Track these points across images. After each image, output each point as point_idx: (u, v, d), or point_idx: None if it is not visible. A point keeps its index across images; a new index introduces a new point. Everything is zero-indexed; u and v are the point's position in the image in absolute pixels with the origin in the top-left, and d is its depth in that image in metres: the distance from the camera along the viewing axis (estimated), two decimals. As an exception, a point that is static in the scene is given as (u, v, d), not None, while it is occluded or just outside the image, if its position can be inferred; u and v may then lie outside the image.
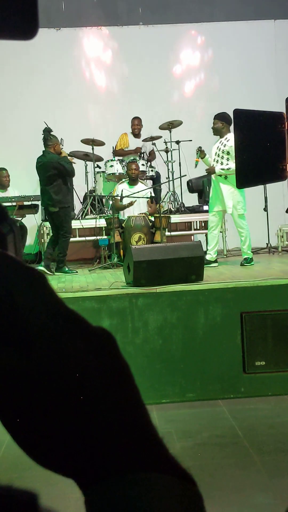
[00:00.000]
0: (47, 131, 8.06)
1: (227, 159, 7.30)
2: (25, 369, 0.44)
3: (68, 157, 7.94)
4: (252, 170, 9.09)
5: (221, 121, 7.47)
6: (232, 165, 7.21)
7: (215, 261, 7.51)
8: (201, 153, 7.56)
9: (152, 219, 8.13)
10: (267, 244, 9.03)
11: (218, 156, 7.43)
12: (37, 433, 0.45)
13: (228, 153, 7.29)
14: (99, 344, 0.47)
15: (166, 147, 9.40)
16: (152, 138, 9.37)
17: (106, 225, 8.35)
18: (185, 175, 9.01)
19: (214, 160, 7.46)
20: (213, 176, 7.51)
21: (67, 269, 7.64)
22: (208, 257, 7.32)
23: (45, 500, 0.44)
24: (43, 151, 7.92)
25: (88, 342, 0.47)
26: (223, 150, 7.37)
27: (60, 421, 0.45)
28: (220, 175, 7.37)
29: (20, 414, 0.45)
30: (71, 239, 9.20)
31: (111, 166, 9.05)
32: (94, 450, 0.46)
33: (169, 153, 9.38)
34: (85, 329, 0.47)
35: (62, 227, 7.75)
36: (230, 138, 7.27)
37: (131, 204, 8.15)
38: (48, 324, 0.45)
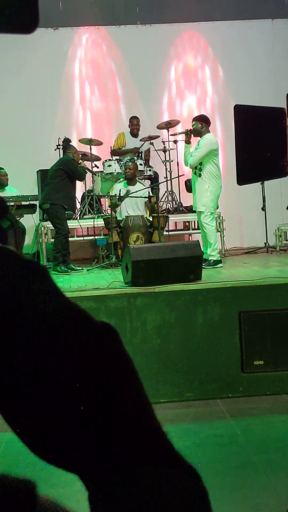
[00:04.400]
0: (66, 141, 8.33)
1: (195, 149, 7.37)
2: (28, 363, 0.44)
3: (84, 168, 8.20)
4: (253, 167, 9.08)
5: (200, 122, 7.51)
6: (190, 160, 7.31)
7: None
8: (187, 136, 7.58)
9: (150, 218, 8.13)
10: (265, 243, 9.03)
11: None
12: (40, 428, 0.45)
13: (197, 148, 7.36)
14: (102, 338, 0.47)
15: (164, 147, 9.40)
16: (150, 138, 9.37)
17: (104, 225, 8.35)
18: (183, 175, 9.01)
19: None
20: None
21: (60, 267, 7.61)
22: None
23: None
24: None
25: (92, 336, 0.46)
26: (196, 147, 7.41)
27: (64, 415, 0.45)
28: (195, 173, 7.40)
29: (23, 409, 0.44)
30: (69, 239, 9.21)
31: (109, 165, 9.04)
32: (98, 444, 0.45)
33: (167, 153, 9.38)
34: (89, 323, 0.47)
35: (55, 225, 7.80)
36: (206, 137, 7.35)
37: (124, 197, 8.11)
38: (50, 318, 0.45)
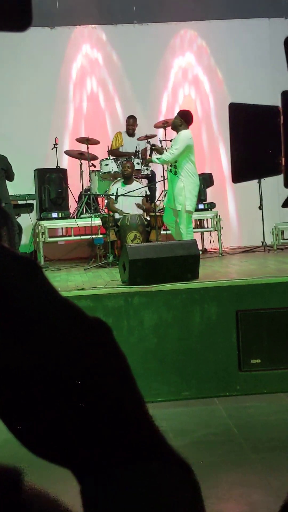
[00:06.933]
0: None
1: (171, 146, 7.38)
2: (21, 359, 0.44)
3: None
4: (247, 165, 9.07)
5: (180, 118, 7.48)
6: (165, 156, 7.29)
7: None
8: (157, 151, 7.58)
9: (148, 218, 8.13)
10: (262, 242, 9.04)
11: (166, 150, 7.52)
12: (33, 423, 0.45)
13: (173, 145, 7.37)
14: (95, 334, 0.47)
15: (161, 146, 9.40)
16: (147, 137, 9.37)
17: (101, 224, 8.35)
18: (180, 174, 9.00)
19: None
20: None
21: None
22: None
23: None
24: None
25: (84, 331, 0.46)
26: (172, 144, 7.42)
27: (56, 410, 0.45)
28: (170, 171, 7.40)
29: (16, 405, 0.44)
30: (67, 238, 9.23)
31: (106, 165, 9.04)
32: (91, 439, 0.45)
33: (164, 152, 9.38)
34: (81, 319, 0.47)
35: (11, 221, 8.00)
36: (181, 134, 7.29)
37: (122, 213, 8.15)
38: (43, 313, 0.45)
